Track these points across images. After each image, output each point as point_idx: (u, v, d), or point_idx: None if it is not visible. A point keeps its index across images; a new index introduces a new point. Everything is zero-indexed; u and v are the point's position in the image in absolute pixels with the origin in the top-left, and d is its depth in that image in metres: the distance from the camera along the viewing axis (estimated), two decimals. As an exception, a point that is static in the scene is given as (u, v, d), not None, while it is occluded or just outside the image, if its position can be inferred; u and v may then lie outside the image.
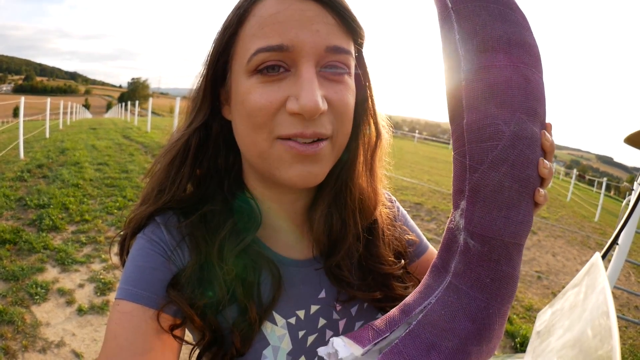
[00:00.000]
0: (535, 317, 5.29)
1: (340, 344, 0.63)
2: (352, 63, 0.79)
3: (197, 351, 0.82)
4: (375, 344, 0.65)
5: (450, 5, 0.66)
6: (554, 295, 6.22)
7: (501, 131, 0.62)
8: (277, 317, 0.84)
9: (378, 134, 0.90)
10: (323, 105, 0.71)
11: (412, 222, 1.15)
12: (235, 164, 0.90)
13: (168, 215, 0.86)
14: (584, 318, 1.05)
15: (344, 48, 0.75)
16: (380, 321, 0.70)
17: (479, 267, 0.65)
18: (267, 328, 0.83)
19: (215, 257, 0.79)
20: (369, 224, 0.95)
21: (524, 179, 0.63)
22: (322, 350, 0.65)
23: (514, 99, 0.63)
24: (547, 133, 0.66)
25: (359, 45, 0.82)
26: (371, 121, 0.89)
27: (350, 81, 0.79)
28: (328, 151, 0.77)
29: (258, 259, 0.84)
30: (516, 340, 4.81)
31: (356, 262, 0.91)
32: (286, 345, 0.84)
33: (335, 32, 0.74)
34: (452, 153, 0.71)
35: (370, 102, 0.88)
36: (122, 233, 0.89)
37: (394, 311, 0.72)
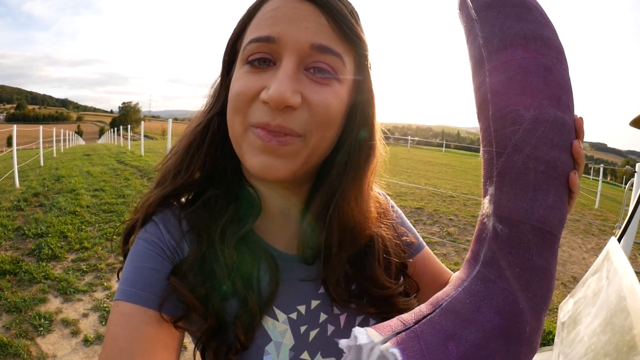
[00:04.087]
0: (549, 310, 5.27)
1: (362, 332, 0.62)
2: (343, 70, 0.79)
3: (199, 353, 0.83)
4: (397, 333, 0.63)
5: (474, 16, 0.74)
6: (565, 286, 6.20)
7: (521, 116, 0.66)
8: (278, 312, 0.85)
9: (373, 149, 0.88)
10: (292, 98, 0.72)
11: (407, 222, 1.14)
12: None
13: (167, 214, 0.87)
14: (611, 302, 1.03)
15: (332, 49, 0.76)
16: (408, 314, 0.68)
17: (507, 255, 0.64)
18: (269, 323, 0.83)
19: (217, 241, 0.81)
20: (364, 245, 0.93)
21: (549, 161, 0.64)
22: (343, 343, 0.62)
23: (532, 87, 0.67)
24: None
25: (362, 58, 0.83)
26: (368, 135, 0.87)
27: (339, 87, 0.79)
28: (296, 149, 0.77)
29: (257, 251, 0.85)
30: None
31: (346, 282, 0.90)
32: (288, 340, 0.84)
33: (325, 33, 0.76)
34: (481, 148, 0.73)
35: (370, 119, 0.87)
36: (132, 219, 0.90)
37: (423, 305, 0.69)
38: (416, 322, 0.65)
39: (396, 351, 0.59)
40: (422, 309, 0.67)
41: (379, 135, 0.90)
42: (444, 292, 0.68)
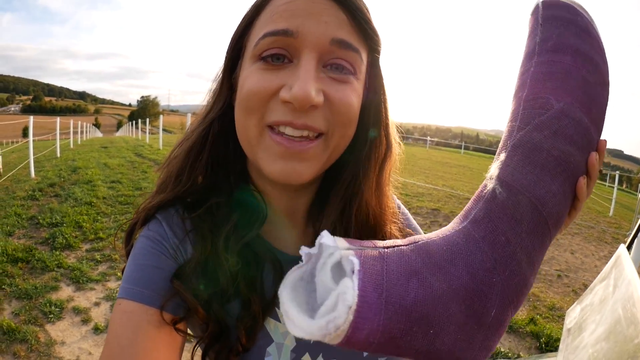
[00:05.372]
0: (558, 316, 5.22)
1: (327, 235, 0.59)
2: (361, 65, 0.78)
3: (200, 350, 0.83)
4: (365, 248, 0.60)
5: (540, 21, 0.78)
6: (575, 293, 6.16)
7: (551, 104, 0.70)
8: (281, 313, 0.83)
9: (388, 146, 0.87)
10: (317, 98, 0.70)
11: (413, 222, 1.13)
12: (242, 156, 0.88)
13: (170, 212, 0.86)
14: (616, 310, 1.02)
15: (352, 44, 0.74)
16: (383, 242, 0.64)
17: (498, 219, 0.64)
18: (270, 325, 0.84)
19: (221, 249, 0.79)
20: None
21: (564, 152, 0.66)
22: (304, 249, 0.60)
23: (568, 87, 0.71)
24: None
25: (375, 53, 0.82)
26: (382, 133, 0.86)
27: (357, 84, 0.78)
28: (319, 150, 0.76)
29: (261, 253, 0.85)
30: (541, 340, 4.69)
31: None
32: (290, 342, 0.84)
33: (345, 27, 0.74)
34: (506, 124, 0.76)
35: (383, 114, 0.86)
36: (133, 219, 0.89)
37: (400, 239, 0.67)
38: (387, 247, 0.62)
39: (355, 261, 0.56)
40: (398, 241, 0.65)
41: (393, 131, 0.89)
42: (426, 236, 0.67)
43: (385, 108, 0.86)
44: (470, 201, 0.71)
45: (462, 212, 0.70)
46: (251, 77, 0.74)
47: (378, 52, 0.82)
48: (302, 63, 0.71)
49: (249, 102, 0.74)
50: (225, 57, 0.85)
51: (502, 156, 0.70)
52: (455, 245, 0.63)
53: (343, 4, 0.73)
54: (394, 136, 0.89)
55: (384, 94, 0.85)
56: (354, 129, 0.80)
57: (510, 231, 0.63)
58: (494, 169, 0.70)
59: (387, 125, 0.87)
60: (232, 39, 0.83)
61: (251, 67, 0.76)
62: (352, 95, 0.76)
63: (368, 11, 0.78)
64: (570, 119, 0.68)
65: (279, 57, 0.73)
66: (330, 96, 0.73)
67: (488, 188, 0.68)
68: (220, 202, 0.86)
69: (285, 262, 0.87)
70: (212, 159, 0.87)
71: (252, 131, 0.76)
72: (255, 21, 0.78)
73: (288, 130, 0.73)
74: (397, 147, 0.91)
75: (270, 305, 0.83)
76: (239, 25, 0.82)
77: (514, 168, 0.67)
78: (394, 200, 1.09)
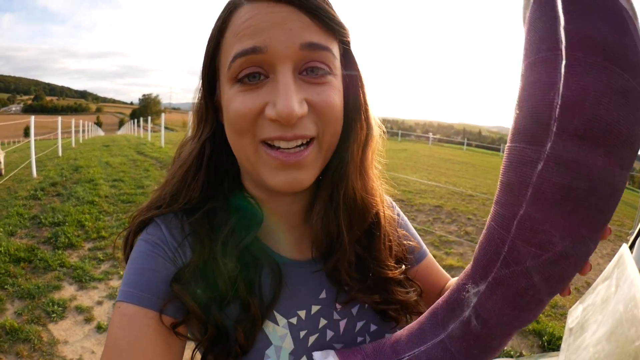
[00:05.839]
0: (560, 314, 5.19)
1: None
2: (335, 62, 0.79)
3: (199, 353, 0.83)
4: None
5: (563, 40, 0.51)
6: (578, 291, 6.14)
7: (552, 243, 0.56)
8: (279, 316, 0.85)
9: (368, 130, 0.88)
10: (301, 110, 0.72)
11: (412, 229, 1.15)
12: (234, 165, 0.90)
13: (169, 216, 0.86)
14: (618, 310, 1.02)
15: (322, 44, 0.75)
16: (372, 349, 0.76)
17: (472, 341, 0.70)
18: (269, 328, 0.84)
19: (218, 253, 0.80)
20: (370, 225, 0.93)
21: (552, 293, 0.63)
22: (317, 356, 0.74)
23: (588, 214, 0.54)
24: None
25: (345, 45, 0.82)
26: (362, 117, 0.86)
27: (335, 81, 0.79)
28: (314, 155, 0.78)
29: (259, 256, 0.85)
30: (543, 338, 4.67)
31: (355, 263, 0.90)
32: (288, 345, 0.84)
33: (311, 30, 0.74)
34: (490, 219, 0.65)
35: (361, 99, 0.86)
36: (126, 229, 0.90)
37: (385, 345, 0.78)
38: None
39: None
40: (384, 348, 0.78)
41: (372, 112, 0.89)
42: (407, 342, 0.78)
43: (364, 93, 0.86)
44: (445, 300, 0.75)
45: (440, 310, 0.76)
46: (234, 101, 0.75)
47: (348, 43, 0.82)
48: (279, 77, 0.72)
49: (237, 125, 0.75)
50: (202, 81, 0.86)
51: (482, 287, 0.65)
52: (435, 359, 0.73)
53: (302, 6, 0.73)
54: (373, 118, 0.90)
55: (360, 79, 0.86)
56: (342, 124, 0.81)
57: (482, 346, 0.70)
58: (471, 293, 0.68)
59: (366, 109, 0.87)
60: (203, 63, 0.84)
61: (230, 91, 0.76)
62: (333, 93, 0.77)
63: (329, 5, 0.78)
64: (571, 259, 0.57)
65: (255, 76, 0.74)
66: (313, 102, 0.74)
67: (464, 311, 0.70)
68: (217, 207, 0.87)
69: (283, 265, 0.88)
70: (208, 178, 0.88)
71: (248, 149, 0.77)
72: (221, 42, 0.79)
73: (282, 144, 0.74)
74: (377, 128, 0.91)
75: (269, 308, 0.83)
76: (207, 48, 0.82)
77: (491, 306, 0.65)
78: (394, 208, 1.11)
